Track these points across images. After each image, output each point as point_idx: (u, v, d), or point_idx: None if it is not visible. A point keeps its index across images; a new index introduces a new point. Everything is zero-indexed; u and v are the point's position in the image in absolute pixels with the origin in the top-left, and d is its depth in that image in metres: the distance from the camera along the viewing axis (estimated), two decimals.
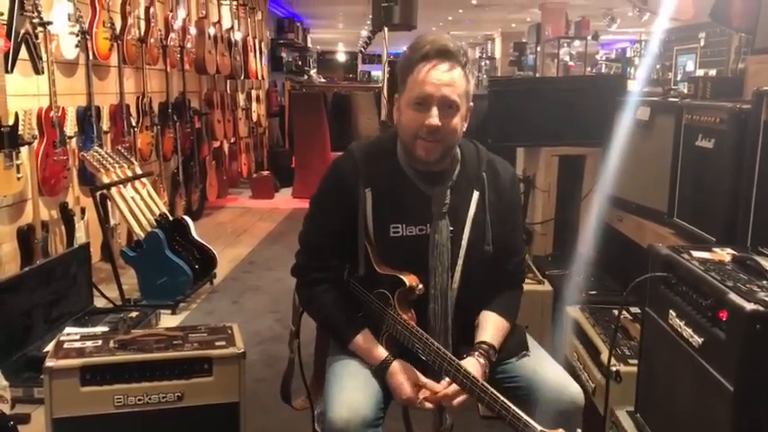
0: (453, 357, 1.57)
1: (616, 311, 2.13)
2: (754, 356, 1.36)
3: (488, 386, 1.51)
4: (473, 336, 1.72)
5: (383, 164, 1.71)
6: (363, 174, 1.68)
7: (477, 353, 1.65)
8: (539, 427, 1.42)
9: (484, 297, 1.76)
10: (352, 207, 1.69)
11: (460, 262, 1.68)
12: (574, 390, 1.62)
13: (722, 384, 1.41)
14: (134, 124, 5.00)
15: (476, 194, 1.71)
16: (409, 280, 1.65)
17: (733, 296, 1.40)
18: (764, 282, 1.48)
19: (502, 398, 1.49)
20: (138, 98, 5.15)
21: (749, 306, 1.35)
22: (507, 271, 1.81)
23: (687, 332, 1.56)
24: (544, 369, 1.67)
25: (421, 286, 1.64)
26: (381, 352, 1.67)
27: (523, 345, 1.75)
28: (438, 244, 1.66)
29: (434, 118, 1.59)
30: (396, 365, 1.64)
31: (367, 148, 1.76)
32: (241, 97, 8.00)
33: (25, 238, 3.62)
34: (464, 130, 1.68)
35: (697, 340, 1.51)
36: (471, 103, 1.68)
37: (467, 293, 1.71)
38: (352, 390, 1.59)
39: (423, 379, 1.63)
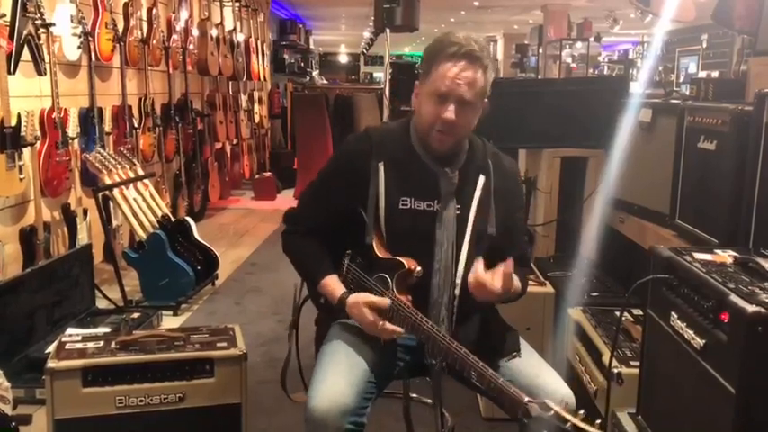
0: (446, 334, 1.61)
1: (618, 313, 2.13)
2: (756, 358, 1.35)
3: (479, 360, 1.54)
4: (470, 324, 1.75)
5: (396, 143, 1.80)
6: (377, 149, 1.77)
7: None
8: (525, 398, 1.46)
9: None
10: (361, 182, 1.75)
11: (466, 241, 1.74)
12: (565, 393, 1.63)
13: (723, 386, 1.41)
14: (136, 125, 5.01)
15: (482, 179, 1.79)
16: (408, 263, 1.69)
17: (734, 298, 1.40)
18: (766, 284, 1.48)
19: (491, 371, 1.52)
20: (140, 99, 5.16)
21: (751, 308, 1.35)
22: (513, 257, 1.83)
23: (689, 334, 1.55)
24: (536, 372, 1.67)
25: (419, 268, 1.69)
26: (340, 288, 1.75)
27: (515, 346, 1.76)
28: (445, 220, 1.73)
29: (451, 113, 1.68)
30: (352, 298, 1.71)
31: (381, 129, 1.88)
32: (243, 99, 8.01)
33: (27, 239, 3.63)
34: (476, 122, 1.77)
35: (698, 342, 1.51)
36: (486, 99, 1.76)
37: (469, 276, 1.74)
38: (333, 378, 1.61)
39: (376, 302, 1.67)
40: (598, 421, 1.37)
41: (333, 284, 1.78)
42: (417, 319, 1.63)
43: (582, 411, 1.42)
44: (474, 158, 1.81)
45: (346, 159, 1.84)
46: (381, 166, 1.75)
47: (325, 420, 1.52)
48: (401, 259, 1.70)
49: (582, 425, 1.35)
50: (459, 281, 1.73)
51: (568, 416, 1.37)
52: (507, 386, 1.49)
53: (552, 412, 1.39)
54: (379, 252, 1.74)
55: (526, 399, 1.45)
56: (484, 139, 1.88)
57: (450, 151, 1.77)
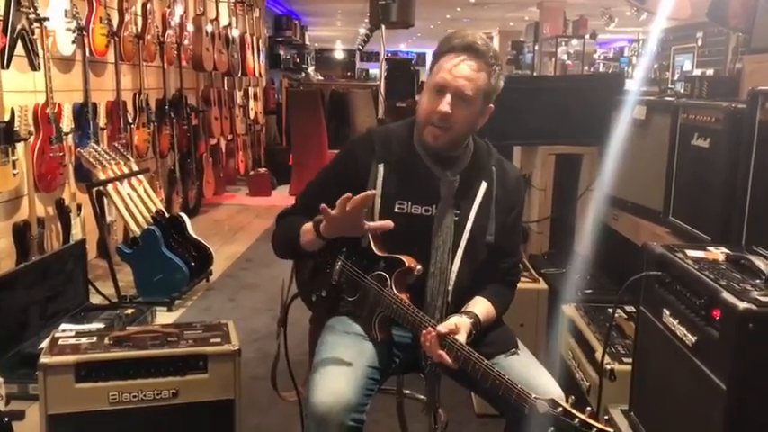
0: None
1: (611, 310, 2.14)
2: (747, 355, 1.36)
3: (483, 359, 1.54)
4: None
5: (398, 144, 1.78)
6: (378, 150, 1.76)
7: (462, 313, 1.68)
8: (532, 395, 1.45)
9: (478, 289, 1.78)
10: (359, 182, 1.72)
11: (462, 246, 1.73)
12: (557, 394, 1.62)
13: (715, 383, 1.41)
14: (131, 121, 4.99)
15: (483, 185, 1.77)
16: (408, 261, 1.67)
17: (726, 295, 1.40)
18: (758, 281, 1.49)
19: (496, 368, 1.52)
20: (134, 95, 5.14)
21: (742, 305, 1.35)
22: (502, 269, 1.83)
23: (681, 331, 1.56)
24: (529, 370, 1.67)
25: (420, 267, 1.68)
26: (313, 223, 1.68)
27: (513, 343, 1.76)
28: (443, 225, 1.72)
29: (446, 105, 1.65)
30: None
31: (384, 130, 1.85)
32: (238, 94, 7.99)
33: (21, 234, 3.62)
34: (478, 126, 1.74)
35: (690, 339, 1.52)
36: (491, 105, 1.73)
37: (464, 279, 1.74)
38: (335, 375, 1.60)
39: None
40: (606, 417, 1.37)
41: (306, 226, 1.70)
42: (418, 317, 1.62)
43: (572, 397, 1.43)
44: (478, 163, 1.79)
45: (347, 160, 1.81)
46: (381, 168, 1.74)
47: (328, 416, 1.51)
48: (401, 257, 1.68)
49: (590, 421, 1.36)
50: (451, 287, 1.72)
51: (577, 412, 1.38)
52: (513, 384, 1.48)
53: (560, 409, 1.39)
54: (378, 249, 1.72)
55: (533, 396, 1.45)
56: (490, 144, 1.85)
57: (446, 151, 1.74)
